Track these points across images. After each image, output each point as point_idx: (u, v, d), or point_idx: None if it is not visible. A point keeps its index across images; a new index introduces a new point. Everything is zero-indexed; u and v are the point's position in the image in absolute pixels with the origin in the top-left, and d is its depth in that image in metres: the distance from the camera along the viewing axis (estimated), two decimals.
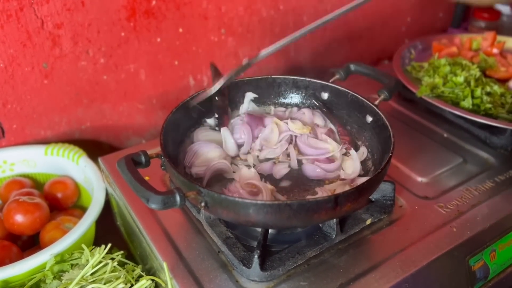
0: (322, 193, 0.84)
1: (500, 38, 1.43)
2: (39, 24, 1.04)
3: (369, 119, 0.97)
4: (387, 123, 0.89)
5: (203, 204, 0.71)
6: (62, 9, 1.05)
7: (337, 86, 1.03)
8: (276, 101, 1.10)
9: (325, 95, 1.06)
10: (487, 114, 1.09)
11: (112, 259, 0.88)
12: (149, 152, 0.80)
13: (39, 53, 1.07)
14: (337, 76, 1.07)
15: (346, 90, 1.01)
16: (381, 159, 0.89)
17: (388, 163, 0.79)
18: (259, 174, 0.90)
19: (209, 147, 0.93)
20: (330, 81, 1.05)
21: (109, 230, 1.11)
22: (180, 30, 1.24)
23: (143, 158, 0.77)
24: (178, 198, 0.66)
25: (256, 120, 1.00)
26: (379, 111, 0.93)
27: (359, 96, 0.99)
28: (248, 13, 1.33)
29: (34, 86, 1.10)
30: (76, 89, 1.16)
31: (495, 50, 1.37)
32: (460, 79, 1.15)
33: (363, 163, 0.94)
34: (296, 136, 0.97)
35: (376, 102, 0.97)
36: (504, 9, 1.75)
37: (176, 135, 0.95)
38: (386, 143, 0.88)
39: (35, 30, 1.04)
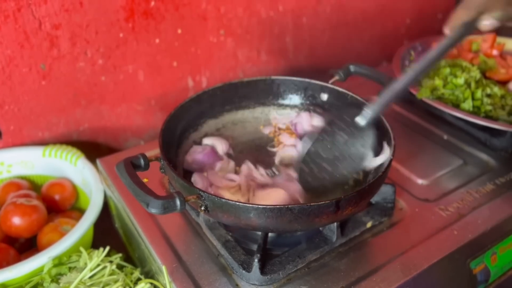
0: None
1: (500, 39, 1.42)
2: (37, 24, 1.03)
3: None
4: (387, 125, 0.89)
5: (203, 208, 0.70)
6: (60, 10, 1.04)
7: (336, 87, 1.03)
8: (275, 102, 1.09)
9: (324, 96, 1.06)
10: (487, 116, 1.09)
11: (111, 262, 0.88)
12: (148, 154, 0.79)
13: (37, 54, 1.06)
14: (336, 77, 1.06)
15: (346, 91, 1.01)
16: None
17: (389, 166, 0.78)
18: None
19: None
20: (330, 82, 1.05)
21: (107, 233, 1.10)
22: (179, 31, 1.23)
23: (142, 161, 0.77)
24: (178, 202, 0.65)
25: None
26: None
27: (358, 98, 0.99)
28: (247, 14, 1.33)
29: (31, 87, 1.09)
30: (74, 90, 1.15)
31: (495, 52, 1.37)
32: (460, 81, 1.15)
33: None
34: None
35: None
36: None
37: (175, 137, 0.94)
38: (387, 145, 0.87)
39: (33, 31, 1.03)
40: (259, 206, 0.67)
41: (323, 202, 0.68)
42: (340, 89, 1.02)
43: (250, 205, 0.68)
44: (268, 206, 0.67)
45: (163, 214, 0.64)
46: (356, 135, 0.85)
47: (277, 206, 0.67)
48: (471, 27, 0.72)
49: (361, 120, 0.85)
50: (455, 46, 0.78)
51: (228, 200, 0.68)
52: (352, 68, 1.07)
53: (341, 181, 0.86)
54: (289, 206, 0.67)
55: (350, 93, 1.00)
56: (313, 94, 1.07)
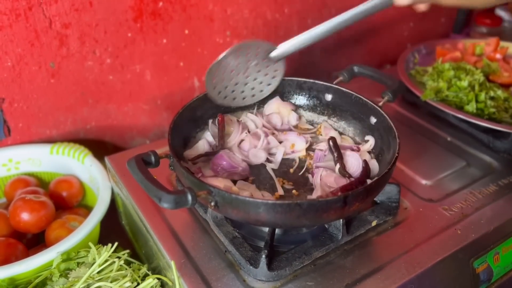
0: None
1: (503, 43, 1.44)
2: (47, 23, 1.04)
3: (373, 120, 0.98)
4: (392, 124, 0.90)
5: (213, 203, 0.71)
6: (70, 9, 1.05)
7: (340, 88, 1.05)
8: None
9: (328, 97, 1.07)
10: (490, 118, 1.10)
11: (118, 257, 0.89)
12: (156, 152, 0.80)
13: (47, 53, 1.07)
14: (340, 78, 1.08)
15: (350, 92, 1.03)
16: (386, 160, 0.90)
17: (394, 163, 0.80)
18: None
19: None
20: (334, 82, 1.06)
21: (112, 230, 1.11)
22: (186, 31, 1.24)
23: (152, 158, 0.78)
24: (189, 197, 0.66)
25: None
26: (383, 112, 0.94)
27: (363, 98, 1.00)
28: (253, 15, 1.34)
29: (40, 85, 1.11)
30: (82, 89, 1.17)
31: (498, 56, 1.38)
32: (464, 83, 1.16)
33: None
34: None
35: (380, 104, 0.98)
36: (505, 15, 1.76)
37: (182, 136, 0.95)
38: (391, 144, 0.89)
39: (43, 30, 1.04)
40: (268, 201, 0.69)
41: (331, 198, 0.70)
42: (345, 89, 1.04)
43: (260, 200, 0.69)
44: (278, 202, 0.69)
45: (174, 208, 0.65)
46: (268, 67, 1.00)
47: (286, 202, 0.69)
48: (389, 2, 0.83)
49: (273, 53, 0.98)
50: (370, 13, 0.91)
51: (238, 195, 0.70)
52: (356, 68, 1.08)
53: (246, 101, 1.03)
54: (298, 201, 0.68)
55: (355, 93, 1.02)
56: (317, 95, 1.08)
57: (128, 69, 1.21)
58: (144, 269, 0.90)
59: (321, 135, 1.04)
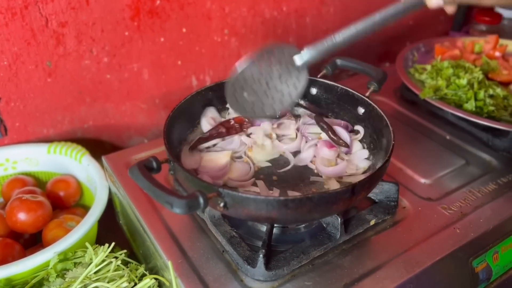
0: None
1: (502, 41, 1.43)
2: (44, 22, 1.04)
3: (361, 110, 0.98)
4: (381, 112, 0.91)
5: (222, 204, 0.70)
6: (66, 8, 1.05)
7: (325, 81, 1.05)
8: None
9: (313, 90, 1.07)
10: (490, 117, 1.10)
11: (115, 257, 0.88)
12: (152, 153, 0.79)
13: (43, 51, 1.07)
14: (324, 71, 1.07)
15: (335, 84, 1.03)
16: (380, 149, 0.91)
17: (392, 150, 0.80)
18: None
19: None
20: (318, 76, 1.06)
21: (110, 229, 1.11)
22: (184, 30, 1.24)
23: (154, 164, 0.75)
24: (201, 200, 0.64)
25: None
26: (371, 102, 0.95)
27: (348, 89, 1.01)
28: (251, 14, 1.33)
29: (37, 84, 1.10)
30: (80, 88, 1.16)
31: (497, 53, 1.38)
32: (463, 81, 1.16)
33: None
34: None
35: (367, 94, 0.98)
36: (505, 12, 1.75)
37: (177, 139, 0.94)
38: (384, 132, 0.89)
39: (40, 28, 1.04)
40: (280, 198, 0.69)
41: (340, 189, 0.71)
42: (329, 82, 1.04)
43: (272, 198, 0.69)
44: (289, 198, 0.69)
45: (187, 213, 0.64)
46: (291, 74, 0.84)
47: (298, 197, 0.69)
48: (421, 2, 0.73)
49: (298, 60, 0.83)
50: (401, 16, 0.77)
51: (249, 195, 0.69)
52: (338, 61, 1.08)
53: (266, 111, 0.87)
54: (309, 195, 0.69)
55: (340, 86, 1.02)
56: None
57: (126, 68, 1.20)
58: (141, 269, 0.90)
59: None
